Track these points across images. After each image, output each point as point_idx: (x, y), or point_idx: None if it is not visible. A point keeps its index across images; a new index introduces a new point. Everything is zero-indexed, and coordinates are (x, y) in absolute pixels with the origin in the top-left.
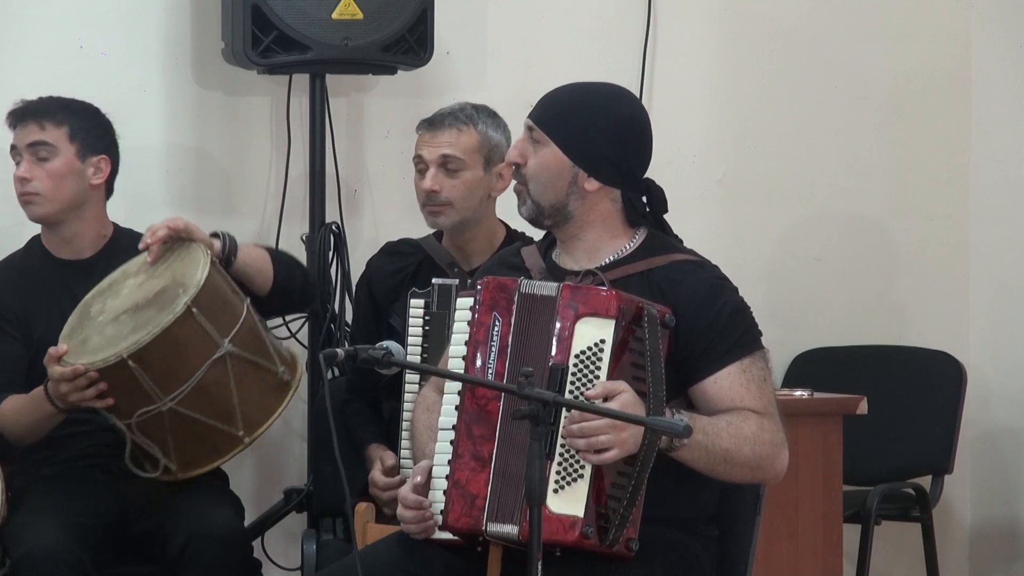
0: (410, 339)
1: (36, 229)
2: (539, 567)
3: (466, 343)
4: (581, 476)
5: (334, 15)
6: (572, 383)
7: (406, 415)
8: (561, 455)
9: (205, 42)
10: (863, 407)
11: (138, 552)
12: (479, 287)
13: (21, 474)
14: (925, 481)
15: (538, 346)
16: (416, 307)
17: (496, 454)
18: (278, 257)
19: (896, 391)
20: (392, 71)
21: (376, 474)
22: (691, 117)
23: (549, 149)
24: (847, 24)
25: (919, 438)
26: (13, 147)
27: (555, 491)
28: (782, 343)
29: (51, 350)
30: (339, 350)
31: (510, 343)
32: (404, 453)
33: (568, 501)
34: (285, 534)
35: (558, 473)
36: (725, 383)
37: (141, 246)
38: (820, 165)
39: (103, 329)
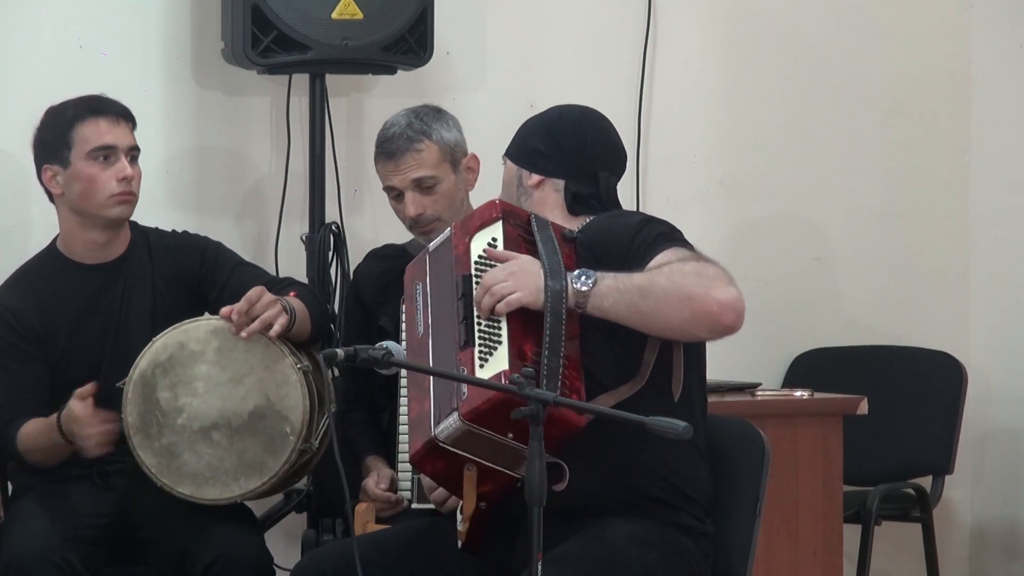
0: (404, 344)
1: (38, 231)
2: (539, 567)
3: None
4: (500, 343)
5: (334, 15)
6: (476, 282)
7: (402, 417)
8: (480, 337)
9: (205, 42)
10: (863, 407)
11: (142, 559)
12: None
13: (21, 477)
14: (925, 481)
15: (447, 278)
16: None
17: (433, 379)
18: (308, 303)
19: (896, 391)
20: (392, 71)
21: (370, 482)
22: (691, 117)
23: (505, 168)
24: (847, 24)
25: (919, 438)
26: (106, 146)
27: (480, 366)
28: (782, 343)
29: (79, 391)
30: (339, 350)
31: (430, 293)
32: (402, 456)
33: (493, 367)
34: (285, 534)
35: (480, 350)
36: (660, 261)
37: (234, 329)
38: (820, 165)
39: (195, 445)
